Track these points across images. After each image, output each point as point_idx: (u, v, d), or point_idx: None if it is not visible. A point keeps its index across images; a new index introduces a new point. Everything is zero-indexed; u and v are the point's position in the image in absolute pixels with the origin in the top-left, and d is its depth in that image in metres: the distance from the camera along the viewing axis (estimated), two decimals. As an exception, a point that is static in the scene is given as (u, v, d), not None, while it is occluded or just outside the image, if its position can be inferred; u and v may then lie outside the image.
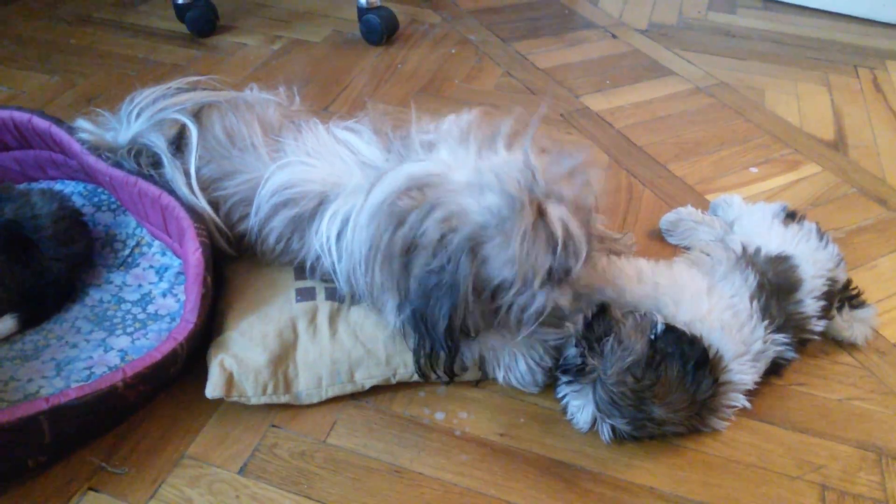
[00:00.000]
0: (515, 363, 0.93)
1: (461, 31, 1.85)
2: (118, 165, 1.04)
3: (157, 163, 1.03)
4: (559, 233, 0.77)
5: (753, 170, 1.39)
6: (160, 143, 1.02)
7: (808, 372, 1.00)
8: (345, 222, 0.89)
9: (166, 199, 0.99)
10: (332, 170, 0.94)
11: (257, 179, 0.96)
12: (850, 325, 1.02)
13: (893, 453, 0.90)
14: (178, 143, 1.03)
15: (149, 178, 1.02)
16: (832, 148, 1.47)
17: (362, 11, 1.75)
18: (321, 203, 0.93)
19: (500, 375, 0.94)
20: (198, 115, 1.04)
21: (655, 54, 1.79)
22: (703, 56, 1.79)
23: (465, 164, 0.83)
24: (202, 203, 0.99)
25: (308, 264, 0.97)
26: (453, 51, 1.76)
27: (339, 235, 0.90)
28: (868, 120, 1.57)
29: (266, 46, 1.74)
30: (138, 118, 1.04)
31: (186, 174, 1.00)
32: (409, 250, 0.82)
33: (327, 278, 0.97)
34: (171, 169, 1.01)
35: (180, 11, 1.75)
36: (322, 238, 0.91)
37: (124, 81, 1.56)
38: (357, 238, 0.87)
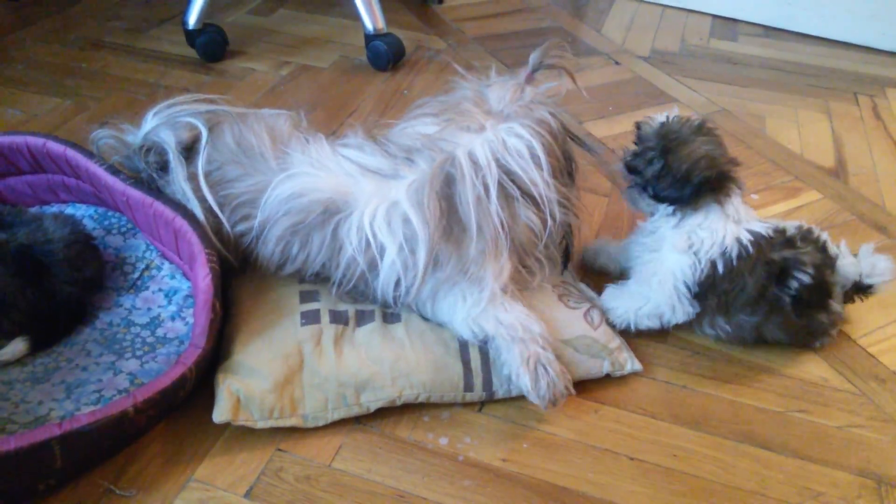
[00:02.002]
0: (536, 367, 0.94)
1: (466, 58, 1.88)
2: (135, 184, 1.07)
3: (164, 161, 1.07)
4: None
5: (754, 196, 1.40)
6: (170, 140, 1.05)
7: (808, 399, 1.01)
8: (390, 214, 0.95)
9: (179, 222, 1.02)
10: (338, 181, 0.99)
11: (264, 183, 1.00)
12: (872, 264, 1.05)
13: (892, 481, 0.91)
14: (190, 146, 1.06)
15: (162, 197, 1.06)
16: (832, 175, 1.49)
17: (369, 38, 1.78)
18: (327, 212, 0.97)
19: (514, 366, 0.94)
20: (210, 121, 1.08)
21: (658, 81, 1.82)
22: (705, 83, 1.82)
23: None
24: (209, 199, 1.02)
25: (311, 273, 1.02)
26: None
27: (389, 223, 0.95)
28: (868, 147, 1.59)
29: (274, 72, 1.77)
30: (154, 118, 1.08)
31: (193, 177, 1.04)
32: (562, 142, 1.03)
33: (353, 298, 1.03)
34: (175, 164, 1.05)
35: (191, 37, 1.78)
36: (364, 234, 0.95)
37: (135, 105, 1.59)
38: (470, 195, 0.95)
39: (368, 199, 0.97)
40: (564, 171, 1.04)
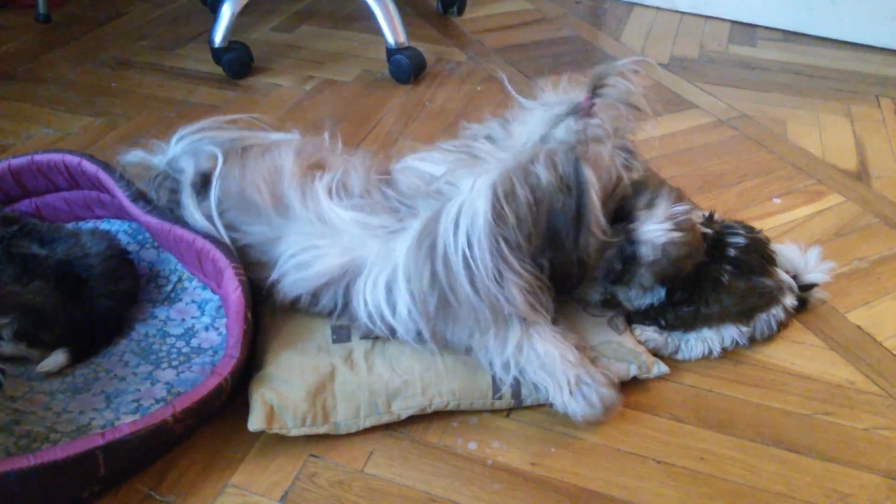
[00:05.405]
0: (578, 388, 0.94)
1: (486, 69, 1.90)
2: (153, 212, 1.09)
3: (177, 189, 1.09)
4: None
5: (776, 201, 1.41)
6: (189, 170, 1.07)
7: (833, 401, 1.02)
8: (390, 284, 0.95)
9: (200, 242, 1.04)
10: (343, 245, 0.98)
11: (269, 235, 1.02)
12: (808, 261, 1.13)
13: (921, 482, 0.91)
14: (209, 175, 1.07)
15: (181, 221, 1.08)
16: (855, 178, 1.49)
17: (391, 52, 1.81)
18: (336, 278, 0.98)
19: (559, 397, 0.94)
20: (228, 153, 1.08)
21: (678, 88, 1.83)
22: (725, 89, 1.83)
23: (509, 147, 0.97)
24: (220, 230, 1.05)
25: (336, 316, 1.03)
26: (479, 88, 1.81)
27: (388, 292, 0.95)
28: (890, 150, 1.59)
29: (299, 87, 1.80)
30: (179, 143, 1.11)
31: (208, 215, 1.05)
32: (536, 205, 0.91)
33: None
34: (186, 200, 1.07)
35: (217, 54, 1.82)
36: (371, 305, 0.96)
37: (164, 122, 1.63)
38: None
39: (373, 263, 0.97)
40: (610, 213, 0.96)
